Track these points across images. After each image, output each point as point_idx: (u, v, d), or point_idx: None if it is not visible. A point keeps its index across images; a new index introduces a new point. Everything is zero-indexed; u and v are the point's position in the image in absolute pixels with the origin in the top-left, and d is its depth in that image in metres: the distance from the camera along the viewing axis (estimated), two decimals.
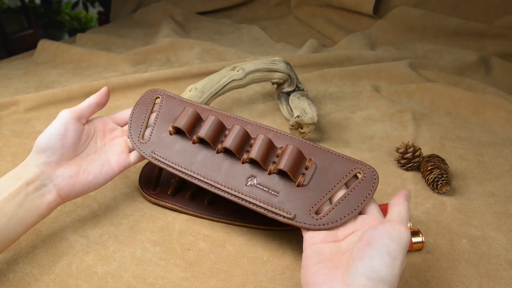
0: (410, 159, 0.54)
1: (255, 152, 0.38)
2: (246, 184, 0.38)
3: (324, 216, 0.34)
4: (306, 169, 0.38)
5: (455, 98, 0.75)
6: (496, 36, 1.07)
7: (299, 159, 0.37)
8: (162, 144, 0.42)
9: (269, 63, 0.68)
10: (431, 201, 0.48)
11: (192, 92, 0.63)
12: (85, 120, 0.41)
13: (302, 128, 0.59)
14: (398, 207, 0.31)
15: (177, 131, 0.43)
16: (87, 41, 1.20)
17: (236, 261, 0.39)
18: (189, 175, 0.39)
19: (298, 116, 0.59)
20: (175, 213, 0.45)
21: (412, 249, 0.40)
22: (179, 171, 0.40)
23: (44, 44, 1.08)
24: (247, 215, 0.43)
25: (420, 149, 0.54)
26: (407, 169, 0.55)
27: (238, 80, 0.65)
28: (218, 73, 0.66)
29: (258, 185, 0.38)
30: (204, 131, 0.40)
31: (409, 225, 0.41)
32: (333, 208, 0.34)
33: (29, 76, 0.92)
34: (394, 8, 1.24)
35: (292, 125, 0.59)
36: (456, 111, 0.73)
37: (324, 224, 0.33)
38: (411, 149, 0.54)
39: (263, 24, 1.41)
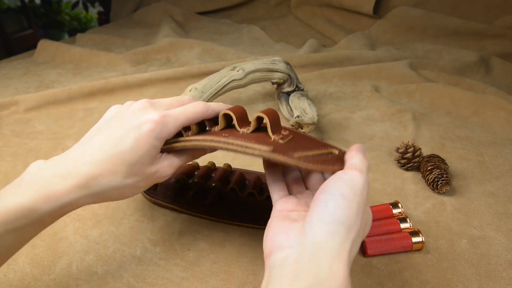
0: (410, 159, 0.54)
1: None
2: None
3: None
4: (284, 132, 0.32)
5: (455, 98, 0.75)
6: (496, 36, 1.07)
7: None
8: None
9: (269, 63, 0.68)
10: (431, 201, 0.48)
11: (192, 92, 0.63)
12: None
13: (302, 128, 0.59)
14: (352, 159, 0.29)
15: None
16: (87, 41, 1.20)
17: (236, 261, 0.39)
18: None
19: (298, 116, 0.59)
20: (175, 213, 0.45)
21: (412, 249, 0.40)
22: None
23: (44, 44, 1.08)
24: (247, 215, 0.43)
25: (420, 149, 0.54)
26: (407, 169, 0.55)
27: (238, 80, 0.65)
28: (218, 73, 0.66)
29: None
30: None
31: (409, 225, 0.41)
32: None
33: (29, 76, 0.92)
34: (394, 8, 1.24)
35: (292, 125, 0.59)
36: (456, 111, 0.73)
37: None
38: (411, 149, 0.54)
39: (263, 24, 1.41)
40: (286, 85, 0.69)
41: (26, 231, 0.27)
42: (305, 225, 0.25)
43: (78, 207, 0.29)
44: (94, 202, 0.30)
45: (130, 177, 0.30)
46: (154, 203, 0.47)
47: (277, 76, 0.68)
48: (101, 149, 0.29)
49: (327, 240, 0.23)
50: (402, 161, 0.54)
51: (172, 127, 0.31)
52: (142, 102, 0.32)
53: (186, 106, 0.33)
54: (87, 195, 0.29)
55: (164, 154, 0.33)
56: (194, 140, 0.32)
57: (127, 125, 0.30)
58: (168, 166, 0.33)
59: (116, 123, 0.31)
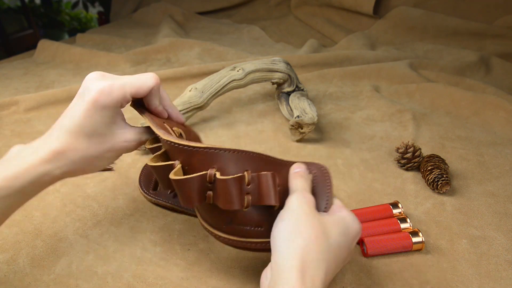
0: (410, 159, 0.54)
1: (220, 202, 0.30)
2: (223, 226, 0.32)
3: None
4: (278, 186, 0.31)
5: (455, 98, 0.75)
6: (496, 36, 1.07)
7: (274, 184, 0.31)
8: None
9: (269, 63, 0.68)
10: (431, 201, 0.48)
11: (192, 92, 0.63)
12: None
13: (302, 128, 0.59)
14: (291, 184, 0.32)
15: None
16: (87, 41, 1.20)
17: (236, 261, 0.39)
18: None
19: (298, 116, 0.59)
20: (175, 213, 0.45)
21: (412, 249, 0.40)
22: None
23: (44, 44, 1.08)
24: None
25: (420, 149, 0.54)
26: (407, 169, 0.55)
27: (238, 80, 0.65)
28: (218, 73, 0.66)
29: (238, 225, 0.32)
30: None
31: (409, 225, 0.41)
32: None
33: (29, 76, 0.92)
34: (394, 8, 1.24)
35: (292, 125, 0.59)
36: (456, 111, 0.73)
37: None
38: (411, 149, 0.54)
39: (263, 24, 1.41)
40: (286, 85, 0.69)
41: (11, 200, 0.30)
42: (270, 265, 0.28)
43: (56, 179, 0.32)
44: (70, 175, 0.33)
45: (93, 149, 0.32)
46: (154, 203, 0.47)
47: (277, 76, 0.68)
48: (62, 124, 0.31)
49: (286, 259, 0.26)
50: (402, 161, 0.54)
51: (117, 96, 0.32)
52: (93, 73, 0.33)
53: (135, 76, 0.34)
54: (58, 167, 0.31)
55: (129, 126, 0.35)
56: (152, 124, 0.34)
57: (76, 97, 0.32)
58: (131, 136, 0.35)
59: (75, 97, 0.33)
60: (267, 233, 0.31)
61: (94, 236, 0.42)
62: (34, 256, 0.39)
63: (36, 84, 0.86)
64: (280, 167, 0.34)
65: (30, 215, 0.45)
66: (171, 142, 0.32)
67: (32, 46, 1.15)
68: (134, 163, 0.55)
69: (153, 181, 0.49)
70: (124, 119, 0.35)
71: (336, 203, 0.33)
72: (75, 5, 2.61)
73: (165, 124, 0.36)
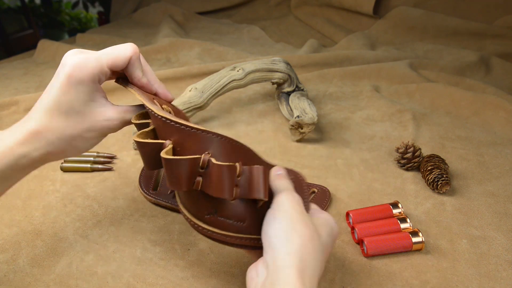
0: (410, 159, 0.54)
1: (211, 189, 0.28)
2: (205, 216, 0.30)
3: None
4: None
5: (455, 98, 0.75)
6: (496, 36, 1.07)
7: (265, 178, 0.30)
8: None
9: (269, 63, 0.68)
10: (431, 201, 0.48)
11: (192, 92, 0.63)
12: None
13: (302, 128, 0.59)
14: (275, 185, 0.31)
15: None
16: (87, 41, 1.20)
17: (236, 261, 0.39)
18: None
19: (298, 116, 0.59)
20: (175, 213, 0.45)
21: (412, 249, 0.40)
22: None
23: (44, 44, 1.08)
24: None
25: (420, 149, 0.54)
26: (407, 169, 0.55)
27: (238, 80, 0.65)
28: (218, 73, 0.66)
29: (220, 217, 0.30)
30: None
31: (409, 225, 0.41)
32: None
33: (29, 76, 0.92)
34: (394, 8, 1.24)
35: (292, 125, 0.59)
36: (456, 111, 0.73)
37: None
38: (411, 149, 0.54)
39: (263, 24, 1.41)
40: (286, 85, 0.69)
41: None
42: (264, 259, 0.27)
43: (36, 163, 0.31)
44: (50, 158, 0.32)
45: (71, 128, 0.31)
46: (154, 203, 0.47)
47: (277, 76, 0.68)
48: (40, 103, 0.31)
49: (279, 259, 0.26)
50: (402, 161, 0.54)
51: (93, 68, 0.30)
52: (72, 50, 0.32)
53: (112, 47, 0.32)
54: (36, 148, 0.30)
55: (110, 104, 0.34)
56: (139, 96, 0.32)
57: (54, 75, 0.31)
58: (113, 115, 0.33)
59: (54, 75, 0.31)
60: (248, 229, 0.30)
61: (94, 236, 0.42)
62: (34, 256, 0.39)
63: (36, 84, 0.86)
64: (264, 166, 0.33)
65: (30, 215, 0.45)
66: (167, 119, 0.29)
67: (32, 46, 1.15)
68: (134, 163, 0.55)
69: (153, 181, 0.49)
70: (104, 97, 0.34)
71: (313, 207, 0.33)
72: (75, 5, 2.61)
73: (155, 101, 0.34)
